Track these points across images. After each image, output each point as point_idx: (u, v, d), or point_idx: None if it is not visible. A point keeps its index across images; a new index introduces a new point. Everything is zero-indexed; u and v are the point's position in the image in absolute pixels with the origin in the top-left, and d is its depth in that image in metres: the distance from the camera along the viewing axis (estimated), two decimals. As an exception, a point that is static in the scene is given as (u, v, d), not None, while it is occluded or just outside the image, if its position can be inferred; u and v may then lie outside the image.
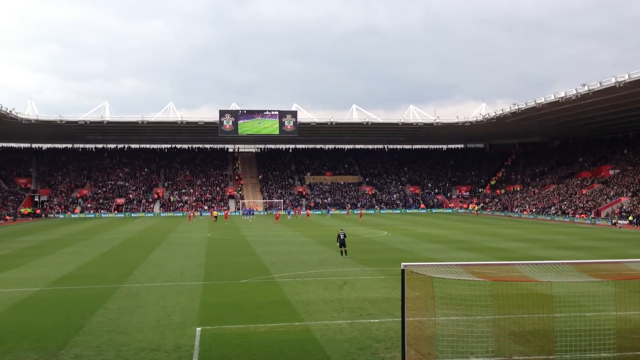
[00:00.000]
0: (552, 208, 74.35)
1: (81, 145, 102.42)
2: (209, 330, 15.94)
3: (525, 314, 16.16)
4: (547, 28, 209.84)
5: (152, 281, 24.24)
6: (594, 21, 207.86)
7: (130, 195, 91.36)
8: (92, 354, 13.88)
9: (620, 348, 13.48)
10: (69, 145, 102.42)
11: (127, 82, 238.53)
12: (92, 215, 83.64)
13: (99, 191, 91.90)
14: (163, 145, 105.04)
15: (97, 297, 20.69)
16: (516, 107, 73.45)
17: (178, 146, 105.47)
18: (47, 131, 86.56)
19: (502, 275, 18.27)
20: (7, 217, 74.67)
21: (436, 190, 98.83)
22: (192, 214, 76.24)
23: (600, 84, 58.60)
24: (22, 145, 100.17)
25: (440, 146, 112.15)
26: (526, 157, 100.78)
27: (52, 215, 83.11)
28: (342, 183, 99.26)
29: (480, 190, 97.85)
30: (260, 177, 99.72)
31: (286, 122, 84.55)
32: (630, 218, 59.67)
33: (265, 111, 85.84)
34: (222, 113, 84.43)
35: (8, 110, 69.64)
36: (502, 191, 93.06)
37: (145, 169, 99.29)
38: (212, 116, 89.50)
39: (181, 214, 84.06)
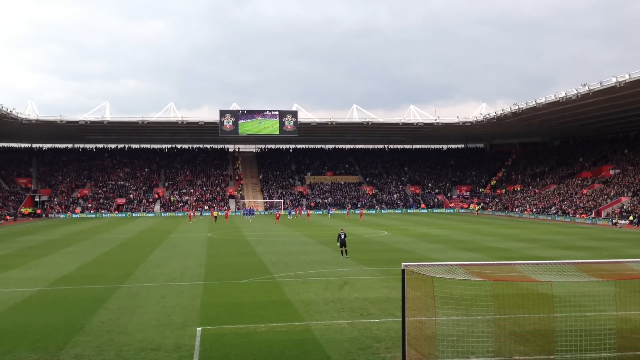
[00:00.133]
0: (553, 208, 74.33)
1: (81, 145, 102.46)
2: (209, 330, 15.95)
3: (525, 313, 16.16)
4: (548, 28, 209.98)
5: (152, 281, 24.25)
6: (594, 21, 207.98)
7: (131, 195, 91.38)
8: (93, 354, 13.89)
9: (620, 348, 13.48)
10: (70, 145, 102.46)
11: (128, 82, 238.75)
12: (94, 215, 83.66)
13: (100, 191, 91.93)
14: (163, 145, 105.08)
15: (98, 297, 20.69)
16: (516, 107, 73.44)
17: (178, 146, 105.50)
18: (47, 131, 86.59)
19: (503, 275, 18.27)
20: (8, 217, 74.69)
21: (436, 190, 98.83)
22: (192, 214, 76.25)
23: (600, 83, 58.58)
24: (23, 145, 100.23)
25: (441, 146, 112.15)
26: (526, 157, 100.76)
27: (53, 215, 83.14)
28: (342, 183, 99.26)
29: (480, 190, 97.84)
30: (260, 177, 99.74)
31: (286, 122, 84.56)
32: (631, 218, 59.66)
33: (266, 111, 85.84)
34: (223, 113, 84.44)
35: (8, 111, 69.68)
36: (503, 191, 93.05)
37: (146, 169, 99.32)
38: (212, 116, 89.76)
39: (182, 214, 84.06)
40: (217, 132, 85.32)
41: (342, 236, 31.66)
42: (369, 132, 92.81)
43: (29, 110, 79.34)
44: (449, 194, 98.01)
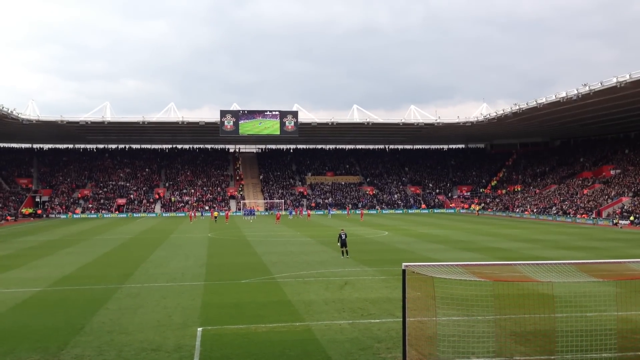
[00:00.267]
0: (553, 208, 74.31)
1: (82, 146, 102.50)
2: (210, 330, 15.95)
3: (526, 314, 16.15)
4: (548, 28, 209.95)
5: (153, 281, 24.26)
6: (594, 21, 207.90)
7: (131, 196, 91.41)
8: (93, 354, 13.89)
9: (621, 348, 13.47)
10: (70, 146, 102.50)
11: (128, 83, 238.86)
12: (95, 216, 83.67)
13: (100, 191, 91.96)
14: (164, 146, 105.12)
15: (98, 298, 20.70)
16: (517, 107, 73.40)
17: (179, 146, 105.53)
18: (48, 131, 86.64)
19: (503, 276, 18.27)
20: (9, 218, 74.73)
21: (437, 191, 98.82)
22: (193, 215, 76.26)
23: (601, 83, 58.54)
24: (23, 145, 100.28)
25: (441, 146, 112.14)
26: (527, 157, 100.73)
27: (53, 216, 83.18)
28: (343, 183, 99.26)
29: (481, 190, 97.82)
30: (261, 177, 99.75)
31: (287, 122, 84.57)
32: (632, 218, 59.63)
33: (266, 111, 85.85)
34: (223, 113, 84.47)
35: (9, 111, 69.70)
36: (503, 191, 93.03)
37: (147, 169, 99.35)
38: (213, 116, 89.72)
39: (183, 214, 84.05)
40: (217, 133, 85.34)
41: (343, 236, 31.67)
42: (370, 133, 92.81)
43: (30, 110, 79.40)
44: (449, 194, 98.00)
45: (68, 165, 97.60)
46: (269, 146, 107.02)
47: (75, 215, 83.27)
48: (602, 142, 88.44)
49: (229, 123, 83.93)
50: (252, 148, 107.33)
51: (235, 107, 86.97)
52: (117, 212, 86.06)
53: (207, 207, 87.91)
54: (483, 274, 15.20)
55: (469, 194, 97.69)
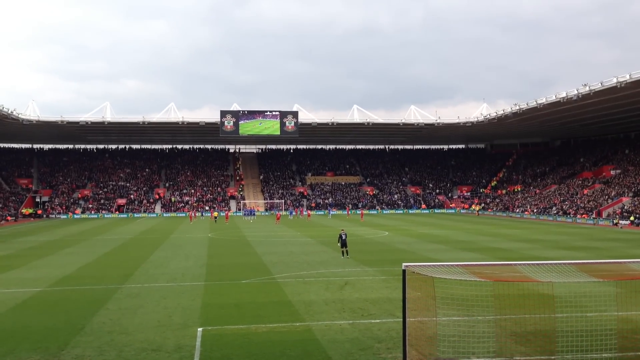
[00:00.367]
0: (554, 208, 74.30)
1: (82, 146, 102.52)
2: (210, 330, 15.95)
3: (526, 314, 16.14)
4: (548, 28, 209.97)
5: (153, 282, 24.26)
6: (595, 21, 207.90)
7: (132, 196, 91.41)
8: (94, 354, 13.90)
9: (621, 348, 13.47)
10: (70, 146, 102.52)
11: (128, 83, 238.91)
12: (95, 216, 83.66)
13: (100, 192, 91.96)
14: (164, 146, 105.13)
15: (99, 298, 20.70)
16: (517, 108, 73.40)
17: (179, 147, 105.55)
18: (48, 132, 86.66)
19: (504, 276, 18.27)
20: (9, 218, 74.74)
21: (437, 191, 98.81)
22: (193, 215, 76.25)
23: (601, 84, 58.54)
24: (24, 145, 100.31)
25: (442, 146, 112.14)
26: (527, 158, 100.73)
27: (54, 216, 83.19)
28: (343, 183, 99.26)
29: (481, 190, 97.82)
30: (261, 177, 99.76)
31: (287, 122, 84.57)
32: (632, 218, 59.62)
33: (266, 112, 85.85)
34: (223, 113, 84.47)
35: (10, 111, 69.71)
36: (503, 191, 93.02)
37: (147, 170, 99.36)
38: (213, 117, 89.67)
39: (184, 215, 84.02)
40: (217, 133, 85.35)
41: (343, 237, 31.68)
42: (370, 133, 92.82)
43: (30, 111, 79.43)
44: (449, 195, 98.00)
45: (68, 166, 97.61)
46: (269, 146, 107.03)
47: (75, 216, 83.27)
48: (603, 142, 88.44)
49: (229, 123, 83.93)
50: (252, 148, 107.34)
51: (235, 107, 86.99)
52: (117, 213, 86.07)
53: (207, 208, 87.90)
54: (483, 274, 15.21)
55: (469, 194, 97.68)
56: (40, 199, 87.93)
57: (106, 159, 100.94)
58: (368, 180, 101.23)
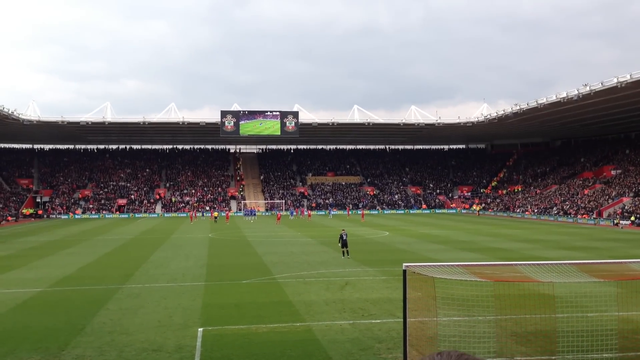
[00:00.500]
0: (554, 208, 74.27)
1: (83, 146, 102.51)
2: (210, 330, 15.95)
3: (527, 314, 16.13)
4: (548, 28, 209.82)
5: (154, 282, 24.26)
6: (595, 21, 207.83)
7: (132, 196, 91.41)
8: (94, 354, 13.90)
9: (622, 348, 13.46)
10: (71, 146, 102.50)
11: (129, 83, 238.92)
12: (97, 216, 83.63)
13: (101, 192, 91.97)
14: (165, 146, 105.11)
15: (99, 298, 20.70)
16: (518, 108, 73.37)
17: (179, 147, 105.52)
18: (48, 132, 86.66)
19: (504, 276, 18.27)
20: (9, 218, 74.75)
21: (438, 191, 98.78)
22: (193, 215, 76.25)
23: (601, 84, 58.50)
24: (24, 146, 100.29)
25: (442, 146, 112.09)
26: (528, 158, 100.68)
27: (54, 216, 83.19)
28: (343, 183, 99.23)
29: (481, 190, 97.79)
30: (261, 177, 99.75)
31: (287, 122, 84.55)
32: (633, 218, 59.60)
33: (267, 112, 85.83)
34: (224, 114, 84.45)
35: (10, 112, 69.72)
36: (504, 191, 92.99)
37: (147, 170, 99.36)
38: (213, 117, 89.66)
39: (185, 215, 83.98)
40: (218, 133, 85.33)
41: (344, 237, 31.68)
42: (370, 133, 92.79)
43: (31, 111, 79.44)
44: (450, 195, 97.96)
45: (69, 166, 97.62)
46: (270, 146, 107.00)
47: (76, 216, 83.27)
48: (603, 142, 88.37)
49: (229, 123, 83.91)
50: (253, 148, 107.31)
51: (235, 107, 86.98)
52: (118, 213, 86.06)
53: (207, 208, 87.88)
54: (484, 274, 15.22)
55: (469, 194, 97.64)
56: (41, 199, 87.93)
57: (106, 159, 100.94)
58: (368, 180, 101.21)
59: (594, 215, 65.75)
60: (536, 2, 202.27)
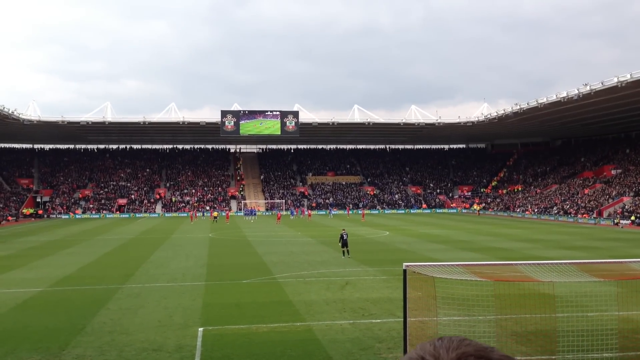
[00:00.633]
0: (554, 208, 74.26)
1: (83, 146, 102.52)
2: (211, 330, 15.95)
3: (527, 314, 16.13)
4: (549, 28, 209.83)
5: (154, 281, 24.25)
6: (595, 21, 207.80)
7: (132, 196, 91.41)
8: (95, 354, 13.89)
9: (622, 348, 13.46)
10: (71, 146, 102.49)
11: (129, 83, 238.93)
12: (97, 216, 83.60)
13: (101, 192, 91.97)
14: (165, 146, 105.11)
15: (99, 298, 20.70)
16: (518, 107, 73.34)
17: (180, 147, 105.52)
18: (49, 132, 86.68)
19: (504, 276, 18.27)
20: (9, 218, 74.76)
21: (438, 191, 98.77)
22: (194, 215, 76.23)
23: (602, 83, 58.47)
24: (24, 146, 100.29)
25: (442, 146, 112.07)
26: (528, 157, 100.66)
27: (54, 216, 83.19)
28: (343, 183, 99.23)
29: (482, 190, 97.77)
30: (262, 177, 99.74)
31: (288, 122, 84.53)
32: (633, 218, 59.58)
33: (267, 111, 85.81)
34: (224, 113, 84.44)
35: (10, 112, 69.73)
36: (504, 191, 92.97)
37: (147, 170, 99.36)
38: (213, 116, 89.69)
39: (185, 215, 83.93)
40: (218, 133, 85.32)
41: (345, 236, 31.68)
42: (370, 133, 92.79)
43: (31, 111, 79.46)
44: (450, 194, 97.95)
45: (69, 166, 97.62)
46: (270, 146, 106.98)
47: (77, 216, 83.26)
48: (603, 142, 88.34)
49: (229, 123, 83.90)
50: (253, 148, 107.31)
51: (236, 107, 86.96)
52: (118, 213, 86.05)
53: (207, 208, 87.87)
54: (484, 274, 15.21)
55: (469, 193, 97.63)
56: (41, 199, 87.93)
57: (107, 159, 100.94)
58: (369, 180, 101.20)
59: (594, 215, 65.73)
60: (536, 2, 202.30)
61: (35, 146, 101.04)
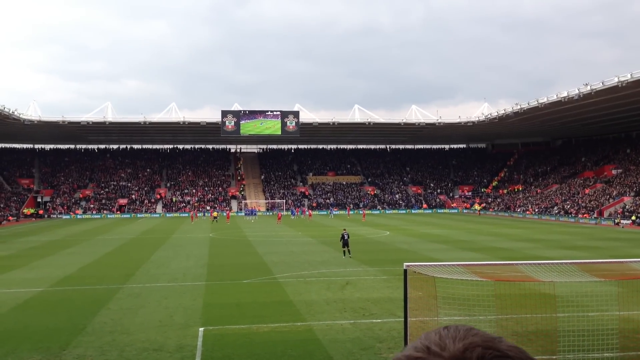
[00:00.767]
0: (555, 208, 74.24)
1: (83, 146, 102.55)
2: (211, 330, 15.95)
3: (528, 314, 16.12)
4: (549, 27, 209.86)
5: (154, 281, 24.26)
6: (596, 21, 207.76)
7: (133, 196, 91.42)
8: (95, 354, 13.90)
9: (623, 348, 13.45)
10: (72, 146, 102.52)
11: (129, 83, 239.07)
12: (99, 216, 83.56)
13: (102, 192, 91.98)
14: (165, 146, 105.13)
15: (100, 298, 20.70)
16: (518, 107, 73.33)
17: (180, 147, 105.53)
18: (49, 132, 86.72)
19: (505, 275, 18.26)
20: (10, 218, 74.77)
21: (438, 191, 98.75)
22: (194, 215, 76.23)
23: (602, 83, 58.45)
24: (25, 146, 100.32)
25: (443, 146, 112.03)
26: (528, 157, 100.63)
27: (55, 216, 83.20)
28: (344, 183, 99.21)
29: (482, 190, 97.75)
30: (262, 177, 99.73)
31: (288, 122, 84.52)
32: (633, 218, 59.55)
33: (267, 111, 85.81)
34: (224, 113, 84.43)
35: (11, 112, 69.77)
36: (505, 191, 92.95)
37: (148, 170, 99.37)
38: (214, 116, 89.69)
39: (186, 215, 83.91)
40: (218, 133, 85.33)
41: (346, 236, 31.67)
42: (371, 132, 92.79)
43: (31, 111, 79.50)
44: (450, 194, 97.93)
45: (69, 166, 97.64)
46: (270, 146, 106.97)
47: (78, 216, 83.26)
48: (604, 142, 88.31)
49: (230, 123, 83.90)
50: (254, 148, 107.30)
51: (236, 107, 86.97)
52: (119, 213, 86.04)
53: (208, 208, 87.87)
54: (485, 273, 15.21)
55: (470, 193, 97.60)
56: (42, 199, 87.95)
57: (107, 159, 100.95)
58: (369, 180, 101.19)
59: (595, 215, 65.71)
60: (536, 1, 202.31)
61: (36, 146, 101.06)
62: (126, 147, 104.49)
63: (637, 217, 59.29)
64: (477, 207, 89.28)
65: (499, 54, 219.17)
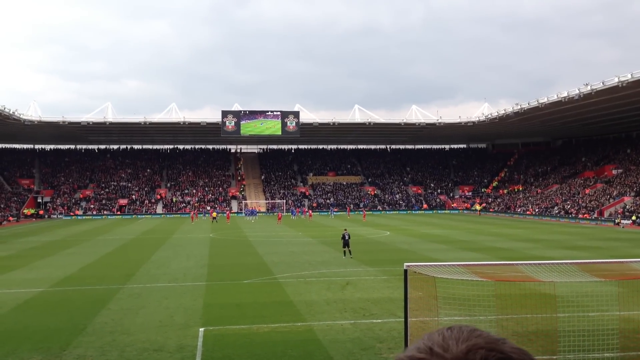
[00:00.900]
0: (555, 208, 74.22)
1: (84, 146, 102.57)
2: (212, 330, 15.95)
3: (528, 314, 16.13)
4: (549, 27, 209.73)
5: (155, 282, 24.26)
6: (596, 20, 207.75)
7: (133, 196, 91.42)
8: (96, 354, 13.90)
9: (623, 348, 13.45)
10: (72, 146, 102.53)
11: (130, 83, 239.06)
12: (100, 217, 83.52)
13: (102, 192, 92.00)
14: (165, 146, 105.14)
15: (100, 298, 20.71)
16: (519, 107, 73.32)
17: (180, 147, 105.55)
18: (50, 132, 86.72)
19: (505, 275, 18.26)
20: (10, 218, 74.80)
21: (439, 191, 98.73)
22: (194, 215, 76.21)
23: (603, 83, 58.44)
24: (25, 146, 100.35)
25: (443, 146, 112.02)
26: (529, 157, 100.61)
27: (55, 216, 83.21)
28: (344, 183, 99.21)
29: (482, 190, 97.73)
30: (262, 177, 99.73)
31: (288, 122, 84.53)
32: (634, 218, 59.54)
33: (268, 112, 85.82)
34: (225, 114, 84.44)
35: (11, 112, 69.78)
36: (505, 191, 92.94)
37: (148, 170, 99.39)
38: (214, 117, 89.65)
39: (187, 215, 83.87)
40: (219, 133, 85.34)
41: (347, 237, 31.68)
42: (371, 133, 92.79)
43: (32, 111, 79.54)
44: (451, 194, 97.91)
45: (70, 166, 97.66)
46: (271, 146, 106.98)
47: (79, 217, 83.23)
48: (604, 142, 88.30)
49: (230, 123, 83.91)
50: (254, 148, 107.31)
51: (236, 107, 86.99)
52: (120, 213, 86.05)
53: (208, 208, 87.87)
54: (485, 274, 15.21)
55: (470, 194, 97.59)
56: (42, 200, 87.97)
57: (107, 159, 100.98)
58: (369, 180, 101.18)
59: (595, 215, 65.70)
60: (537, 1, 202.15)
61: (36, 146, 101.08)
62: (126, 148, 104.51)
63: (637, 217, 59.27)
64: (477, 207, 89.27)
65: (499, 54, 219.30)
